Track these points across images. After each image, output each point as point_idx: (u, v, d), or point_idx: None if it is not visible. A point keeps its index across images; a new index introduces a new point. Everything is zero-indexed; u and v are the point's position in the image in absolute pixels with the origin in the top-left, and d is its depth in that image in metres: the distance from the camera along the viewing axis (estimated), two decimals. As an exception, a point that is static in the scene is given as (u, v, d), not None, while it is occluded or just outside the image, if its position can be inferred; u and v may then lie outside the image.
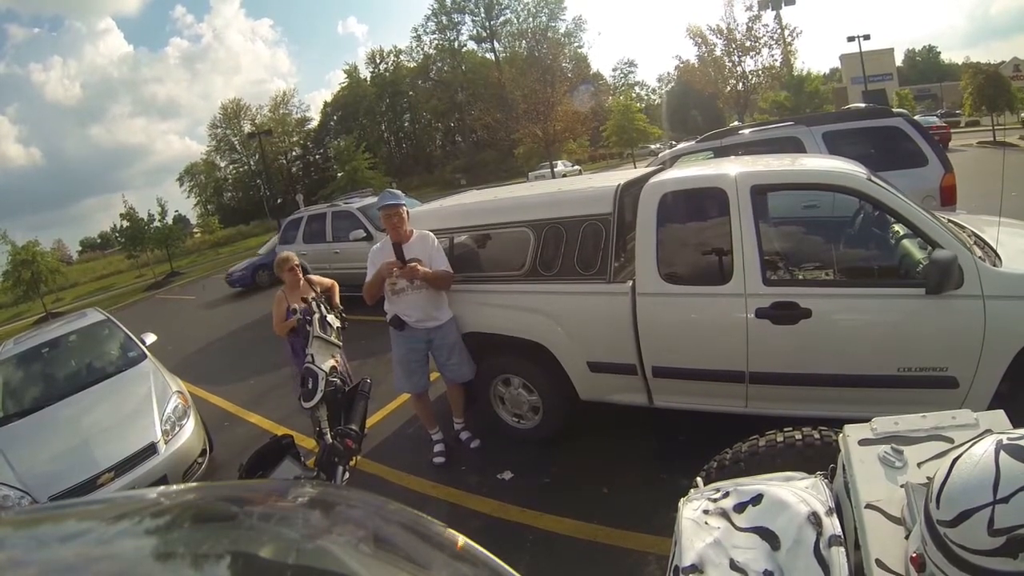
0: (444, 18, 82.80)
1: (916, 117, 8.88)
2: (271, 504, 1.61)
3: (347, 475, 4.73)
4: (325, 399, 4.81)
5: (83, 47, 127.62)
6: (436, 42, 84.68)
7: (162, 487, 2.31)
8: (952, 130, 36.52)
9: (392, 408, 6.97)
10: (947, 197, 7.20)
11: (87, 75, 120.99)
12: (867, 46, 51.30)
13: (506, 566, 1.49)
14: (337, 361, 5.12)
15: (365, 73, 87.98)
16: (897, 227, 4.26)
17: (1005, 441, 1.25)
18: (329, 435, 4.73)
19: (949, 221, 4.33)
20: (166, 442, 5.82)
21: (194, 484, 5.06)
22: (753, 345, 4.14)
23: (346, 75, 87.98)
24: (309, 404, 4.77)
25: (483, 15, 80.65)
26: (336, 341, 5.19)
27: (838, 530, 1.61)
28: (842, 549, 1.56)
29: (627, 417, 5.10)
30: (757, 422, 3.31)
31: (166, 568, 1.20)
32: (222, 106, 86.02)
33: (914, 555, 1.37)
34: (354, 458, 4.90)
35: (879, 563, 1.46)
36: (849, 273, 4.33)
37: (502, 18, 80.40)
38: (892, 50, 61.65)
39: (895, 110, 8.73)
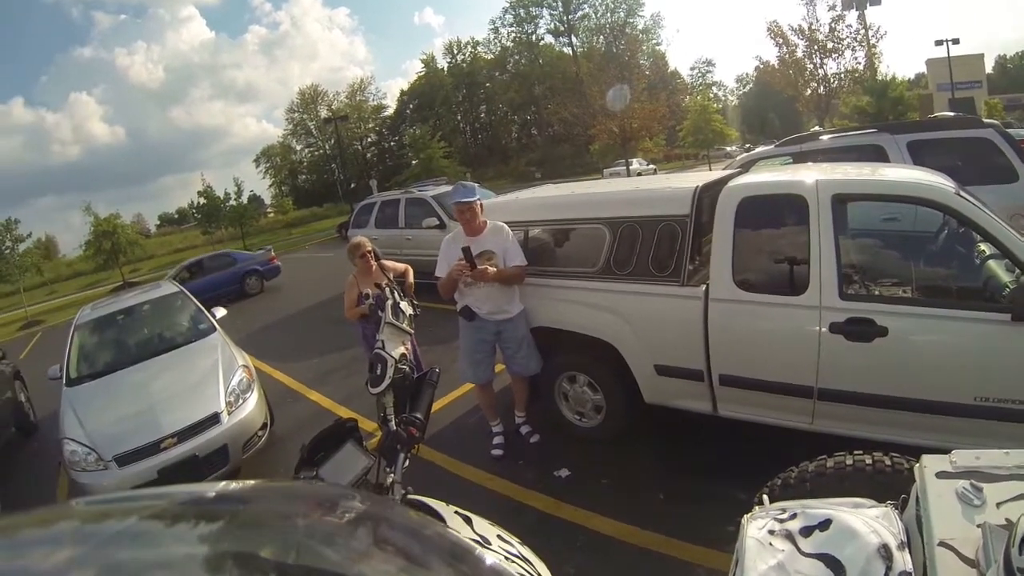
0: (522, 11, 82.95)
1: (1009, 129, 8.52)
2: (321, 518, 1.62)
3: (407, 463, 4.76)
4: (393, 386, 4.85)
5: (166, 33, 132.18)
6: (513, 35, 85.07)
7: (217, 484, 2.34)
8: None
9: (455, 396, 7.02)
10: (1038, 217, 6.90)
11: (169, 59, 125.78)
12: (956, 51, 49.43)
13: (512, 571, 1.48)
14: (407, 348, 5.15)
15: (442, 63, 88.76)
16: (983, 246, 4.09)
17: None
18: (393, 422, 4.77)
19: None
20: (229, 413, 6.02)
21: (245, 485, 5.18)
22: (824, 360, 4.03)
23: (423, 64, 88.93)
24: (377, 390, 4.79)
25: (561, 9, 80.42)
26: (408, 328, 5.21)
27: (909, 567, 1.56)
28: None
29: (690, 424, 5.03)
30: (819, 441, 3.24)
31: (200, 569, 1.21)
32: (300, 91, 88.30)
33: None
34: (416, 446, 4.94)
35: None
36: (929, 292, 4.17)
37: (580, 12, 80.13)
38: (982, 56, 59.23)
39: (986, 120, 8.41)
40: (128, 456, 5.52)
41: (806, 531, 1.76)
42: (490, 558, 1.39)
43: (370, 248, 6.07)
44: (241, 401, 6.24)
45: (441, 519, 1.96)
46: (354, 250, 6.05)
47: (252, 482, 1.79)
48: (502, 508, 4.71)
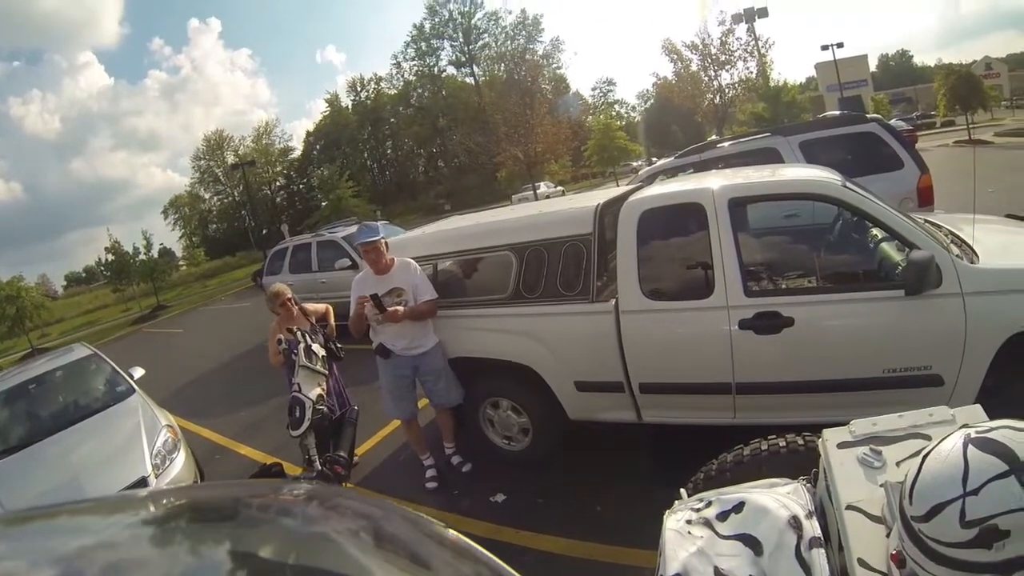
0: (423, 44, 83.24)
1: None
2: (268, 499, 1.62)
3: None
4: (313, 427, 4.82)
5: (62, 80, 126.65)
6: (416, 68, 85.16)
7: (160, 487, 2.30)
8: (929, 131, 37.04)
9: (384, 435, 6.95)
10: (924, 198, 7.30)
11: (66, 108, 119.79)
12: (841, 54, 52.09)
13: (506, 566, 1.50)
14: (323, 389, 5.12)
15: (346, 101, 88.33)
16: (875, 231, 4.31)
17: (973, 435, 1.28)
18: (318, 462, 4.73)
19: (926, 222, 4.39)
20: (156, 476, 5.77)
21: (189, 484, 5.05)
22: (738, 356, 4.17)
23: (327, 104, 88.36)
24: (297, 432, 4.78)
25: (462, 40, 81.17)
26: (321, 369, 5.19)
27: (818, 532, 1.63)
28: (823, 551, 1.58)
29: (617, 434, 5.10)
30: (748, 432, 3.33)
31: (162, 563, 1.21)
32: (205, 137, 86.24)
33: (894, 552, 1.40)
34: (344, 484, 4.90)
35: (861, 562, 1.48)
36: (830, 279, 4.36)
37: (480, 42, 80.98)
38: (866, 56, 62.51)
39: (869, 115, 8.83)
40: None
41: (722, 516, 1.81)
42: (493, 558, 1.42)
43: (290, 296, 5.99)
44: (168, 462, 6.01)
45: None
46: (274, 299, 5.95)
47: (248, 482, 1.79)
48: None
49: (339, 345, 5.63)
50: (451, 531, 1.55)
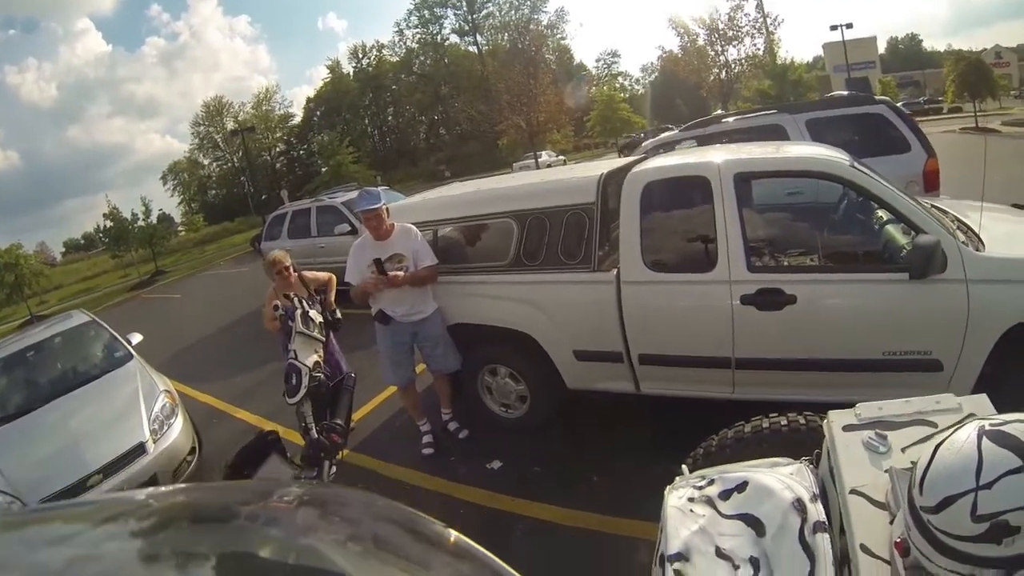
0: (426, 12, 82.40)
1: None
2: (258, 504, 1.61)
3: (334, 469, 4.74)
4: (309, 394, 4.81)
5: (58, 48, 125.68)
6: (419, 36, 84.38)
7: (152, 488, 2.30)
8: (934, 116, 36.82)
9: (380, 401, 6.98)
10: (930, 182, 7.26)
11: (63, 76, 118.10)
12: (850, 34, 51.28)
13: (503, 563, 1.49)
14: (320, 356, 5.11)
15: (348, 68, 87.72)
16: (881, 213, 4.29)
17: (987, 427, 1.26)
18: (314, 430, 4.73)
19: (932, 206, 4.35)
20: (154, 441, 5.79)
21: (184, 485, 5.05)
22: (739, 331, 4.17)
23: (328, 71, 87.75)
24: (293, 400, 4.77)
25: (465, 8, 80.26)
26: (318, 336, 5.17)
27: (822, 516, 1.62)
28: (827, 535, 1.57)
29: (615, 405, 5.11)
30: (746, 407, 3.33)
31: (153, 570, 1.20)
32: (204, 104, 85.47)
33: (898, 540, 1.38)
34: (341, 452, 4.90)
35: (864, 548, 1.46)
36: (833, 259, 4.35)
37: (484, 11, 79.91)
38: (875, 38, 61.62)
39: (878, 97, 8.76)
40: (54, 499, 5.21)
41: (725, 494, 1.81)
42: (493, 557, 1.41)
43: (288, 263, 5.93)
44: (166, 428, 6.02)
45: None
46: (272, 266, 5.91)
47: (248, 482, 1.78)
48: (438, 505, 4.71)
49: (338, 316, 5.59)
50: (450, 530, 1.54)
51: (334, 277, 6.22)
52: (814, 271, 4.20)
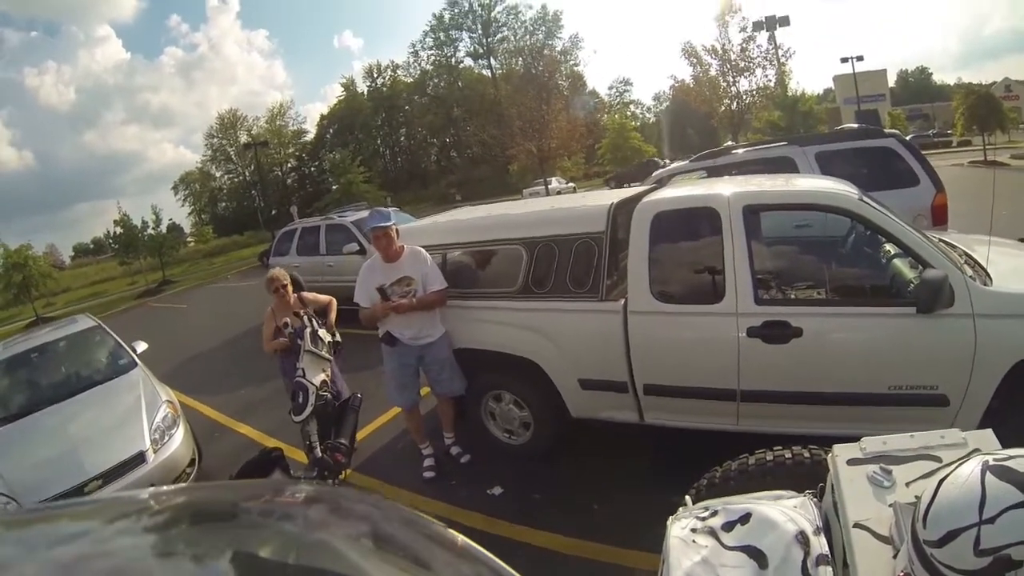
0: (442, 34, 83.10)
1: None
2: (267, 501, 1.61)
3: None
4: (315, 413, 4.82)
5: (78, 52, 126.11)
6: (433, 58, 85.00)
7: (160, 487, 2.31)
8: (943, 150, 36.84)
9: (383, 421, 6.97)
10: (938, 216, 7.25)
11: (81, 80, 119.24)
12: (860, 67, 51.84)
13: (506, 566, 1.49)
14: (328, 375, 5.11)
15: (362, 87, 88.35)
16: (889, 247, 4.29)
17: (991, 462, 1.26)
18: (319, 449, 4.73)
19: (940, 240, 4.37)
20: (155, 451, 5.80)
21: (190, 484, 5.06)
22: (744, 364, 4.17)
23: (343, 88, 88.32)
24: (299, 418, 4.78)
25: (480, 32, 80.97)
26: (327, 355, 5.18)
27: (825, 549, 1.62)
28: (829, 569, 1.57)
29: (618, 434, 5.09)
30: (748, 439, 3.32)
31: (163, 567, 1.21)
32: (219, 116, 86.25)
33: (901, 574, 1.38)
34: (344, 472, 4.90)
35: None
36: (841, 292, 4.35)
37: (499, 35, 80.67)
38: (885, 71, 62.15)
39: (887, 130, 8.78)
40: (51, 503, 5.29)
41: (728, 526, 1.80)
42: (495, 559, 1.42)
43: (286, 282, 5.83)
44: (167, 438, 6.02)
45: None
46: (270, 283, 5.81)
47: (249, 482, 1.80)
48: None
49: (338, 340, 5.58)
50: (451, 531, 1.54)
51: (335, 301, 6.15)
52: (821, 304, 4.19)
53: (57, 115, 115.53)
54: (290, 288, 5.82)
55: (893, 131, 8.92)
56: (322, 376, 5.01)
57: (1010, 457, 1.27)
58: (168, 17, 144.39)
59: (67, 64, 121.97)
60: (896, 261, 4.26)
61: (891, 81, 69.72)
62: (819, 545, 1.63)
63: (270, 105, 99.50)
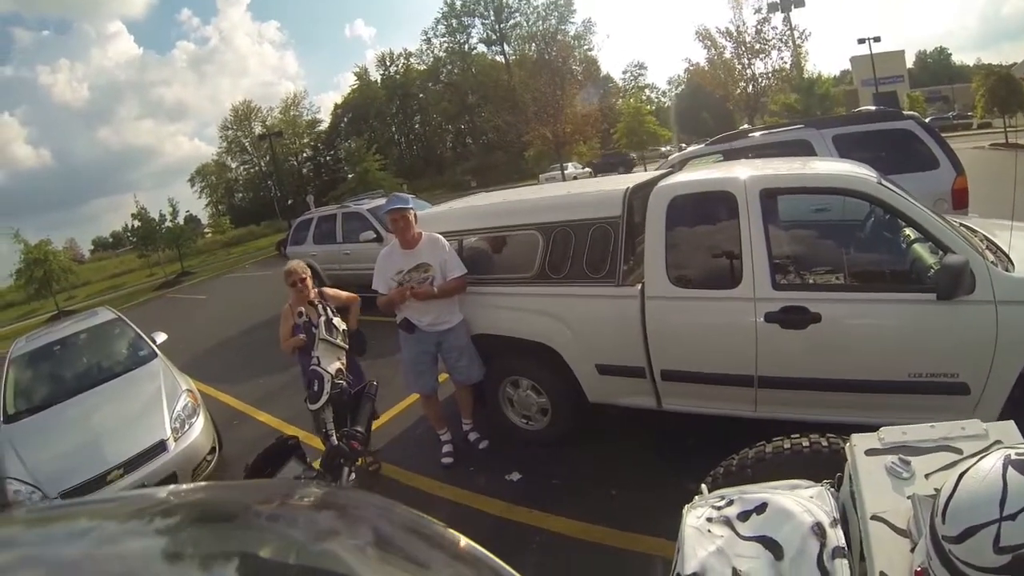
0: (454, 21, 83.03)
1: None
2: (277, 505, 1.62)
3: (352, 475, 4.76)
4: (331, 401, 4.84)
5: (91, 50, 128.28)
6: (446, 45, 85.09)
7: (170, 486, 2.34)
8: (962, 132, 36.35)
9: (401, 408, 7.01)
10: (959, 200, 7.15)
11: (95, 77, 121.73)
12: (877, 48, 51.04)
13: (508, 567, 1.49)
14: (343, 363, 5.13)
15: (375, 75, 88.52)
16: (908, 231, 4.24)
17: (1013, 456, 1.24)
18: (335, 436, 4.76)
19: (961, 225, 4.31)
20: (175, 440, 5.89)
21: (200, 484, 5.10)
22: (762, 349, 4.14)
23: (356, 77, 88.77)
24: (315, 406, 4.81)
25: (493, 18, 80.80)
26: (342, 344, 5.19)
27: (842, 542, 1.60)
28: (846, 561, 1.55)
29: (636, 420, 5.09)
30: (767, 426, 3.30)
31: (172, 568, 1.22)
32: (233, 108, 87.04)
33: (919, 569, 1.36)
34: (360, 459, 4.93)
35: None
36: (859, 278, 4.31)
37: (512, 21, 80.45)
38: (903, 52, 61.24)
39: (906, 112, 8.67)
40: (74, 492, 5.33)
41: (743, 516, 1.79)
42: (489, 555, 1.42)
43: (305, 275, 5.52)
44: (187, 427, 6.12)
45: None
46: (288, 276, 5.49)
47: (251, 481, 1.81)
48: (456, 514, 4.71)
49: (364, 340, 5.57)
50: (459, 536, 1.54)
51: (358, 299, 5.94)
52: (839, 289, 4.15)
53: (72, 112, 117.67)
54: (309, 281, 5.57)
55: (912, 113, 8.80)
56: (337, 364, 5.03)
57: None
58: (178, 11, 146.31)
59: (80, 61, 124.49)
60: (916, 246, 4.19)
61: (909, 62, 68.73)
62: (836, 537, 1.61)
63: (284, 96, 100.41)
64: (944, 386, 3.73)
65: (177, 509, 1.56)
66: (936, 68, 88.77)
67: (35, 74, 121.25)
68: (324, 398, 4.79)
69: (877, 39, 50.03)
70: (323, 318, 5.13)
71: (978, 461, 1.29)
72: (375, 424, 5.47)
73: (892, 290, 3.98)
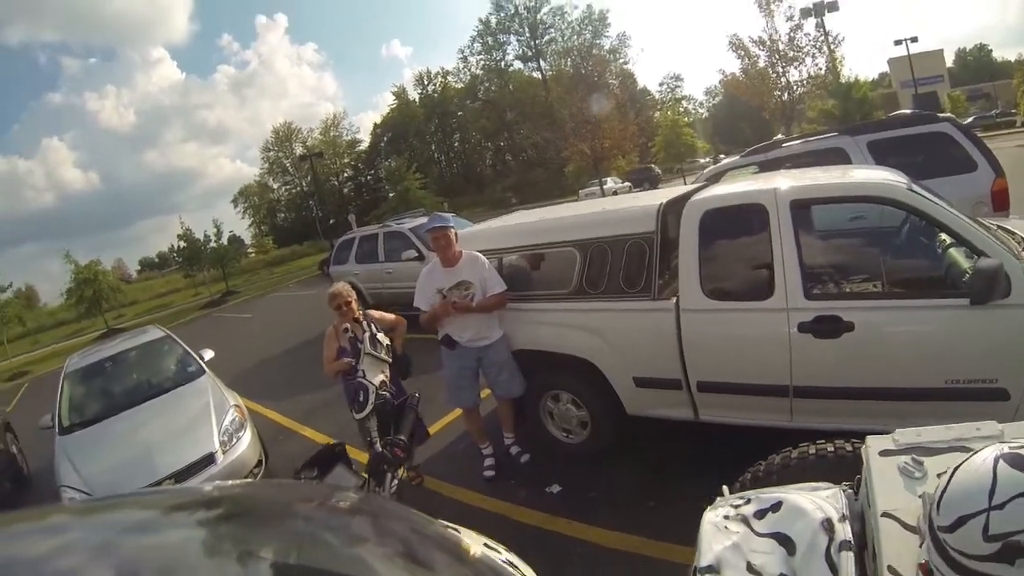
0: (489, 39, 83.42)
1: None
2: (315, 506, 1.69)
3: (395, 482, 4.87)
4: (375, 411, 4.99)
5: (135, 75, 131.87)
6: (482, 62, 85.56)
7: (215, 482, 2.38)
8: (1008, 130, 35.65)
9: (444, 424, 7.10)
10: (999, 202, 7.03)
11: (140, 102, 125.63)
12: (915, 48, 50.13)
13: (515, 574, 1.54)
14: (387, 376, 5.25)
15: (413, 94, 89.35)
16: (944, 236, 4.18)
17: (1006, 450, 1.30)
18: (378, 444, 4.88)
19: (998, 228, 4.27)
20: (224, 452, 6.09)
21: (245, 481, 5.24)
22: (796, 359, 4.15)
23: (395, 97, 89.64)
24: (361, 415, 4.96)
25: (528, 34, 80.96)
26: (385, 357, 5.32)
27: (848, 536, 1.65)
28: (851, 554, 1.60)
29: (674, 432, 5.12)
30: (804, 437, 3.32)
31: (208, 560, 1.28)
32: (274, 129, 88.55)
33: (922, 563, 1.42)
34: (402, 467, 5.04)
35: (891, 570, 1.49)
36: (892, 284, 4.28)
37: (547, 37, 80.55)
38: (941, 51, 60.11)
39: (941, 115, 8.53)
40: None
41: (760, 514, 1.85)
42: (483, 550, 1.47)
43: (350, 298, 5.42)
44: (235, 440, 6.31)
45: None
46: (333, 299, 5.40)
47: (257, 480, 1.86)
48: (497, 526, 4.75)
49: (410, 362, 5.68)
50: (452, 531, 1.57)
51: (404, 322, 5.83)
52: (872, 297, 4.14)
53: (118, 136, 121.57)
54: (354, 304, 5.47)
55: (947, 115, 8.68)
56: (381, 377, 5.17)
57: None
58: (219, 36, 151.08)
59: (125, 87, 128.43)
60: (952, 251, 4.14)
61: (949, 61, 67.40)
62: (843, 532, 1.66)
63: (323, 116, 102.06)
64: (983, 392, 3.66)
65: (219, 503, 1.63)
66: (977, 66, 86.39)
67: (83, 100, 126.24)
68: (369, 407, 4.94)
69: (914, 39, 49.21)
70: (367, 334, 5.27)
71: (972, 455, 1.35)
72: (429, 436, 5.66)
73: (925, 296, 3.95)
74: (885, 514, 1.62)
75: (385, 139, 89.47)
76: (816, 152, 8.12)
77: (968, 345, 3.71)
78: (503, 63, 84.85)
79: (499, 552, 2.08)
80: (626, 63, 76.62)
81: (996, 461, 1.28)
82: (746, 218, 4.54)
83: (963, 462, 1.36)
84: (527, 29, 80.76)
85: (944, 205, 3.99)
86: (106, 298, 38.16)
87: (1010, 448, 1.30)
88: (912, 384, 3.87)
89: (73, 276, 37.34)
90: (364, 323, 5.37)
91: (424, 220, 13.53)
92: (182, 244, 43.77)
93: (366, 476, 4.88)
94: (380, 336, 5.37)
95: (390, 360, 5.40)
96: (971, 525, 1.25)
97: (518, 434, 5.93)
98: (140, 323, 20.08)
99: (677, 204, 4.90)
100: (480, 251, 5.52)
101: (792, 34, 44.08)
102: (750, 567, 1.70)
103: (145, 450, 6.11)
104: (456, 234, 5.37)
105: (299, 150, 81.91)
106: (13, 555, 1.05)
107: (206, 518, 1.50)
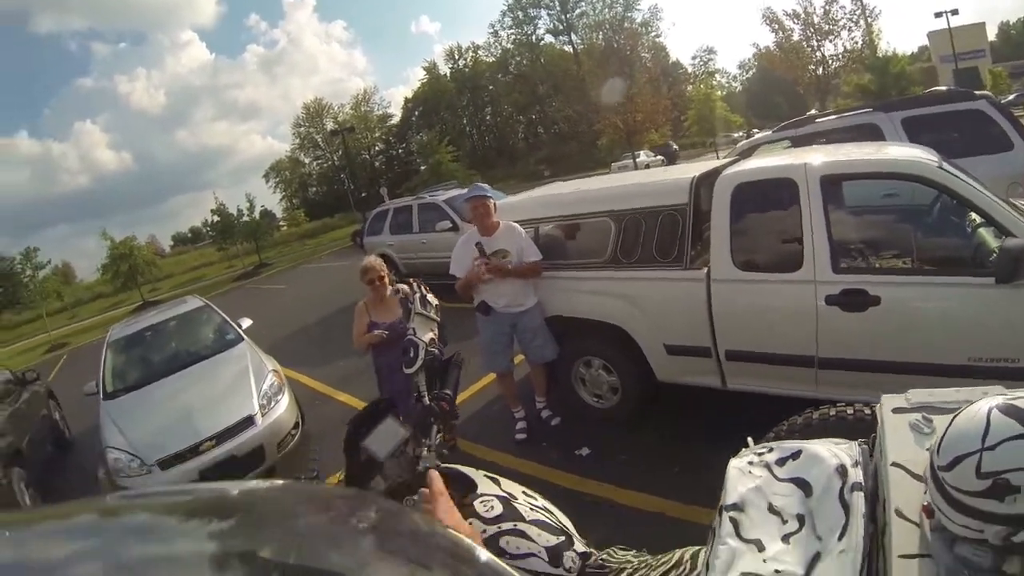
0: (520, 13, 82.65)
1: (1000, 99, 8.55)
2: (327, 520, 1.71)
3: (440, 434, 5.04)
4: (424, 366, 5.16)
5: (165, 58, 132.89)
6: (513, 37, 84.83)
7: (224, 482, 2.39)
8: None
9: (478, 388, 7.32)
10: (1037, 182, 6.99)
11: (170, 83, 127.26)
12: (956, 21, 48.34)
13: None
14: (435, 334, 5.42)
15: (444, 69, 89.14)
16: (975, 215, 4.20)
17: (1001, 401, 1.42)
18: (427, 398, 5.07)
19: (1030, 208, 4.26)
20: (263, 415, 6.36)
21: (255, 482, 5.43)
22: (822, 331, 4.25)
23: (425, 71, 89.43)
24: (411, 370, 5.10)
25: (559, 8, 79.99)
26: (435, 316, 5.47)
27: (860, 478, 1.79)
28: (862, 494, 1.74)
29: (702, 398, 5.24)
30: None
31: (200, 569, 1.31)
32: (304, 105, 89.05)
33: (925, 504, 1.56)
34: (450, 420, 5.23)
35: (898, 512, 1.63)
36: (919, 261, 4.34)
37: (578, 10, 79.39)
38: (983, 24, 57.86)
39: (978, 92, 8.41)
40: (170, 460, 5.86)
41: (781, 461, 1.99)
42: (486, 555, 1.48)
43: (383, 273, 5.58)
44: (273, 403, 6.57)
45: (472, 482, 2.18)
46: (365, 273, 5.56)
47: (253, 482, 1.91)
48: (529, 486, 4.91)
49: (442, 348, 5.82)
50: (454, 534, 1.59)
51: (439, 306, 5.99)
52: (899, 273, 4.19)
53: (150, 117, 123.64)
54: (387, 279, 5.64)
55: (984, 92, 8.58)
56: (430, 334, 5.33)
57: (1019, 398, 1.43)
58: (247, 17, 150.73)
59: (156, 69, 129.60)
60: (981, 230, 4.17)
61: (991, 35, 65.13)
62: (855, 474, 1.79)
63: (354, 91, 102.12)
64: (1006, 371, 3.67)
65: (225, 505, 1.65)
66: (1021, 40, 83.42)
67: (114, 84, 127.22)
68: (419, 363, 5.10)
69: (955, 12, 47.36)
70: (418, 295, 5.43)
71: (971, 405, 1.50)
72: (459, 396, 5.77)
73: (951, 274, 3.96)
74: (895, 464, 1.75)
75: (416, 113, 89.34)
76: (849, 128, 8.10)
77: (992, 324, 3.73)
78: (534, 37, 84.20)
79: (535, 499, 2.23)
80: (658, 36, 75.89)
81: (991, 409, 1.41)
82: (776, 192, 4.63)
83: (962, 410, 1.50)
84: (558, 3, 79.79)
85: (974, 184, 4.02)
86: (141, 272, 39.12)
87: (1006, 399, 1.43)
88: (935, 360, 3.89)
89: (109, 252, 38.23)
90: (414, 284, 5.54)
91: (457, 192, 13.70)
92: (216, 218, 44.47)
93: (413, 428, 5.07)
94: (430, 297, 5.54)
95: (439, 319, 5.57)
96: (966, 464, 1.38)
97: (550, 398, 6.09)
98: (175, 296, 20.42)
99: (709, 177, 5.02)
100: (518, 220, 5.67)
101: (827, 7, 43.52)
102: (771, 507, 1.85)
103: (186, 413, 6.40)
104: (495, 204, 5.53)
105: (330, 125, 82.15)
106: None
107: (215, 524, 1.48)
